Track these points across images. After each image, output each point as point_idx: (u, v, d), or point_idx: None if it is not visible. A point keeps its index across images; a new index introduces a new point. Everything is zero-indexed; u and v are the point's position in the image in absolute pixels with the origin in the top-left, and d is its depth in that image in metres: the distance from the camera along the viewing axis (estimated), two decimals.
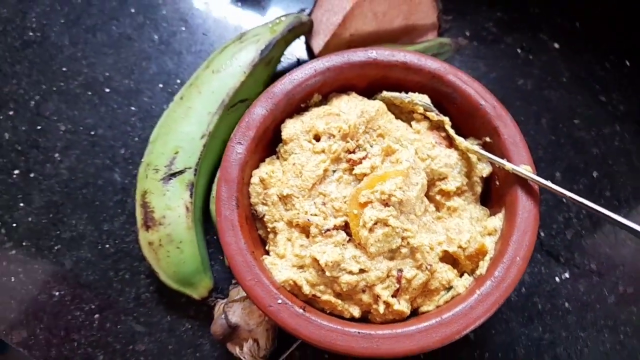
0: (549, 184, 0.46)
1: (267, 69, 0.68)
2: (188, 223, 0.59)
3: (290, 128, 0.54)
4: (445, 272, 0.49)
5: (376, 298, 0.48)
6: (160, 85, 0.75)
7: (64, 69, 0.76)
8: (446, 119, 0.53)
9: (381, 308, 0.48)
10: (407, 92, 0.56)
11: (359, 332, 0.45)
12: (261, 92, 0.54)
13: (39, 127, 0.72)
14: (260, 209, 0.52)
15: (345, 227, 0.49)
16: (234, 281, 0.61)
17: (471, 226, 0.51)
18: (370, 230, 0.47)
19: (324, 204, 0.50)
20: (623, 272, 0.61)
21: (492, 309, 0.44)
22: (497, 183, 0.53)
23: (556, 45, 0.73)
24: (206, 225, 0.65)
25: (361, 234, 0.47)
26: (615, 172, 0.66)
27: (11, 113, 0.73)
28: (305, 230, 0.50)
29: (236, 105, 0.66)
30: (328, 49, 0.69)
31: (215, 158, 0.66)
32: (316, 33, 0.71)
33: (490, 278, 0.45)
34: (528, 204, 0.48)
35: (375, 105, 0.54)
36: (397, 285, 0.48)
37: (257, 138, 0.52)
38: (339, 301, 0.49)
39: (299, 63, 0.76)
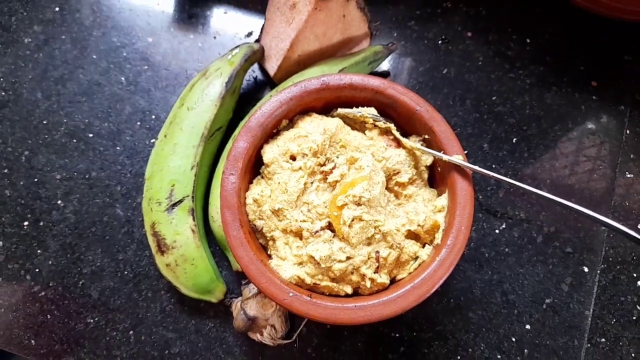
0: (476, 167, 0.61)
1: (233, 97, 0.79)
2: (196, 242, 0.71)
3: (269, 153, 0.66)
4: (411, 246, 0.64)
5: (363, 276, 0.62)
6: (138, 123, 0.84)
7: (45, 122, 0.83)
8: (392, 125, 0.67)
9: (368, 284, 0.62)
10: (357, 107, 0.68)
11: (355, 306, 0.59)
12: (230, 119, 0.66)
13: (35, 180, 0.80)
14: (258, 223, 0.65)
15: (330, 227, 0.62)
16: (243, 282, 0.73)
17: (425, 207, 0.65)
18: (350, 226, 0.60)
19: (309, 210, 0.63)
20: (545, 216, 0.77)
21: (450, 269, 0.59)
22: (439, 169, 0.67)
23: (469, 34, 0.87)
24: (207, 238, 0.77)
25: (343, 230, 0.61)
26: (529, 135, 0.81)
27: (6, 171, 0.80)
28: (298, 234, 0.63)
29: (214, 134, 0.76)
30: (281, 70, 0.80)
31: (204, 183, 0.77)
32: (268, 57, 0.81)
33: (445, 246, 0.60)
34: (464, 184, 0.62)
35: (334, 123, 0.66)
36: (377, 264, 0.62)
37: (244, 166, 0.64)
38: (335, 284, 0.62)
39: (257, 82, 0.87)
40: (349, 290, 0.63)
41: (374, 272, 0.62)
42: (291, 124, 0.70)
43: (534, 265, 0.75)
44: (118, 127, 0.83)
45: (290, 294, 0.59)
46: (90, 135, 0.83)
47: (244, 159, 0.64)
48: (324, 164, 0.65)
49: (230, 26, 0.90)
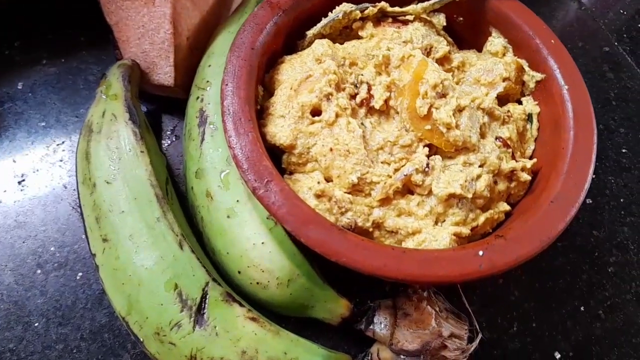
0: None
1: (150, 134, 0.52)
2: (270, 330, 0.43)
3: (282, 131, 0.42)
4: (514, 108, 0.47)
5: (509, 176, 0.43)
6: (39, 272, 0.51)
7: None
8: (383, 3, 0.48)
9: (523, 176, 0.43)
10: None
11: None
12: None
13: None
14: (346, 219, 0.41)
15: (431, 147, 0.42)
16: (360, 326, 0.47)
17: (489, 60, 0.48)
18: (456, 125, 0.41)
19: (391, 153, 0.42)
20: None
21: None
22: (460, 19, 0.51)
23: None
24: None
25: (454, 136, 0.41)
26: None
27: None
28: (404, 189, 0.42)
29: (167, 191, 0.49)
30: (179, 69, 0.55)
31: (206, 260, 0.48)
32: (150, 69, 0.56)
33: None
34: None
35: (321, 44, 0.46)
36: (509, 149, 0.44)
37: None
38: (493, 211, 0.42)
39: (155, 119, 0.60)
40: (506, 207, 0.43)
41: (513, 160, 0.44)
42: (266, 93, 0.47)
43: None
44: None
45: (480, 253, 0.37)
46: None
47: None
48: (355, 95, 0.44)
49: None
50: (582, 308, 0.53)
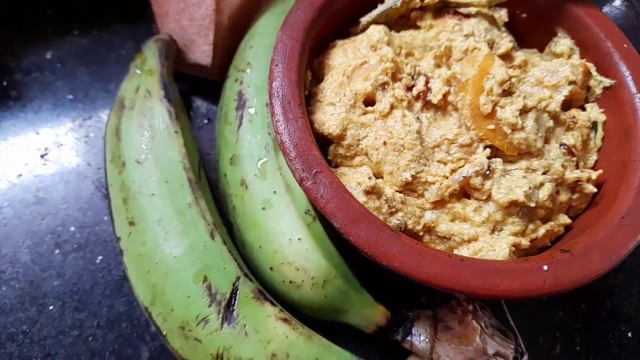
0: None
1: (184, 113, 0.49)
2: (302, 334, 0.40)
3: (330, 120, 0.39)
4: (580, 114, 0.43)
5: (573, 186, 0.40)
6: (58, 252, 0.48)
7: None
8: None
9: (588, 188, 0.39)
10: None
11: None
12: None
13: None
14: (397, 220, 0.38)
15: (492, 148, 0.39)
16: (396, 336, 0.44)
17: (553, 62, 0.45)
18: (522, 127, 0.38)
19: (448, 152, 0.39)
20: None
21: None
22: (524, 16, 0.48)
23: None
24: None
25: (518, 138, 0.37)
26: None
27: None
28: (461, 192, 0.38)
29: (199, 175, 0.46)
30: (218, 50, 0.52)
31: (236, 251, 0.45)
32: (188, 47, 0.53)
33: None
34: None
35: (376, 30, 0.43)
36: (573, 157, 0.40)
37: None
38: (557, 222, 0.39)
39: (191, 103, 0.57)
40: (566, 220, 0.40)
41: (577, 170, 0.40)
42: (314, 78, 0.44)
43: None
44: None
45: (545, 267, 0.34)
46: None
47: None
48: (411, 87, 0.41)
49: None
50: (629, 334, 0.49)
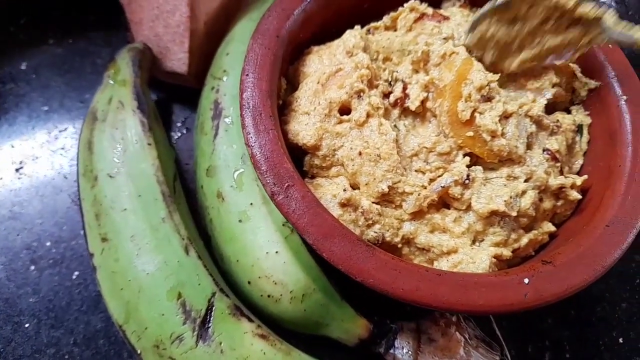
0: None
1: (159, 124, 0.48)
2: (281, 350, 0.39)
3: (305, 130, 0.38)
4: (563, 118, 0.42)
5: (557, 193, 0.38)
6: (33, 268, 0.47)
7: None
8: None
9: (572, 194, 0.38)
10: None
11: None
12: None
13: None
14: (373, 233, 0.36)
15: (472, 156, 0.38)
16: (378, 349, 0.43)
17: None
18: (502, 133, 0.36)
19: (426, 160, 0.38)
20: None
21: None
22: None
23: None
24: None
25: (498, 145, 0.36)
26: None
27: None
28: (439, 202, 0.37)
29: (174, 188, 0.45)
30: (194, 56, 0.51)
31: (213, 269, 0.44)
32: (163, 54, 0.51)
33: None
34: None
35: (352, 35, 0.41)
36: (556, 162, 0.39)
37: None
38: (537, 232, 0.38)
39: (168, 108, 0.56)
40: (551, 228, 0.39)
41: (561, 175, 0.39)
42: (289, 86, 0.43)
43: None
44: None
45: (526, 280, 0.32)
46: None
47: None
48: (388, 93, 0.40)
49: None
50: (620, 340, 0.48)
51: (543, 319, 0.48)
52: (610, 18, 0.36)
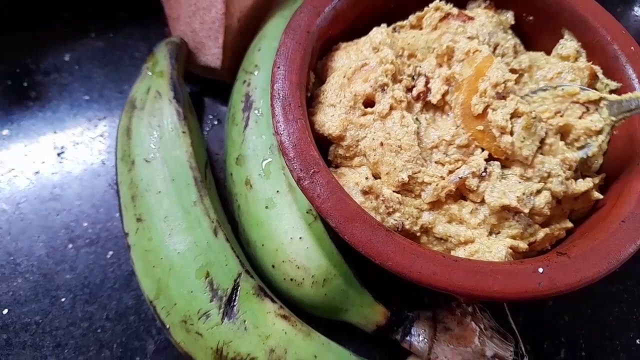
0: None
1: (193, 114, 0.51)
2: (302, 331, 0.41)
3: (330, 121, 0.40)
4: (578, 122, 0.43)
5: (576, 197, 0.39)
6: (71, 246, 0.50)
7: None
8: None
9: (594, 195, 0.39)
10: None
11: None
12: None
13: None
14: (394, 220, 0.38)
15: (489, 156, 0.39)
16: (396, 336, 0.44)
17: (560, 62, 0.44)
18: (511, 132, 0.37)
19: (445, 153, 0.39)
20: None
21: None
22: (530, 18, 0.48)
23: None
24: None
25: (505, 142, 0.37)
26: None
27: None
28: (457, 193, 0.39)
29: (205, 174, 0.47)
30: (228, 52, 0.54)
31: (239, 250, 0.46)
32: (198, 49, 0.54)
33: None
34: None
35: (379, 32, 0.43)
36: (572, 173, 0.40)
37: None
38: (554, 227, 0.39)
39: (202, 102, 0.59)
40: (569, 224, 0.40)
41: (581, 179, 0.40)
42: (317, 80, 0.45)
43: None
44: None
45: (541, 270, 0.34)
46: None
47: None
48: (411, 87, 0.41)
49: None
50: (637, 341, 0.48)
51: (560, 316, 0.49)
52: None
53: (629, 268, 0.51)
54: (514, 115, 0.38)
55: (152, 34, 0.61)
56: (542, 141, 0.39)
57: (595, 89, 0.44)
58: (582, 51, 0.45)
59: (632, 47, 0.43)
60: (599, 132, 0.39)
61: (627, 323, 0.49)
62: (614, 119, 0.39)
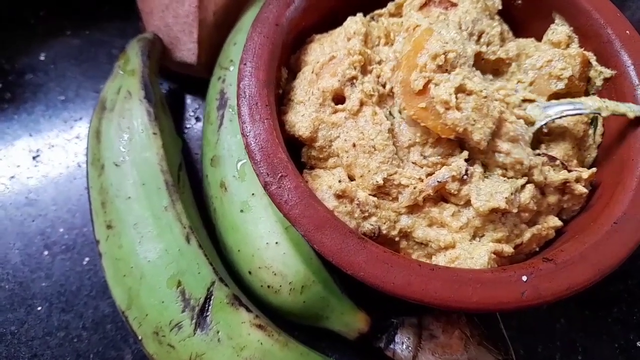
0: None
1: (166, 114, 0.49)
2: (277, 341, 0.39)
3: (301, 122, 0.38)
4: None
5: (563, 188, 0.37)
6: (45, 251, 0.49)
7: None
8: None
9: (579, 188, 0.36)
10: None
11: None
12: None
13: None
14: (369, 225, 0.36)
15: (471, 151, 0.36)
16: (379, 344, 0.42)
17: (550, 51, 0.41)
18: (457, 106, 0.34)
19: (422, 155, 0.36)
20: None
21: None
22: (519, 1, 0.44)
23: None
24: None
25: (452, 118, 0.34)
26: None
27: None
28: (438, 197, 0.36)
29: (179, 177, 0.45)
30: (203, 46, 0.51)
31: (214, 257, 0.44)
32: (173, 45, 0.52)
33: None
34: None
35: (354, 21, 0.40)
36: (555, 162, 0.37)
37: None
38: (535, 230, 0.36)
39: (177, 97, 0.57)
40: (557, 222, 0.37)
41: (564, 170, 0.37)
42: (291, 75, 0.42)
43: None
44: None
45: (524, 278, 0.31)
46: None
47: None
48: (380, 76, 0.39)
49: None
50: (637, 343, 0.46)
51: (555, 318, 0.46)
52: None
53: (629, 266, 0.49)
54: (460, 90, 0.34)
55: (129, 29, 0.59)
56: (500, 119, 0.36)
57: (589, 77, 0.41)
58: (574, 36, 0.42)
59: (627, 31, 0.40)
60: None
61: (627, 324, 0.46)
62: None
